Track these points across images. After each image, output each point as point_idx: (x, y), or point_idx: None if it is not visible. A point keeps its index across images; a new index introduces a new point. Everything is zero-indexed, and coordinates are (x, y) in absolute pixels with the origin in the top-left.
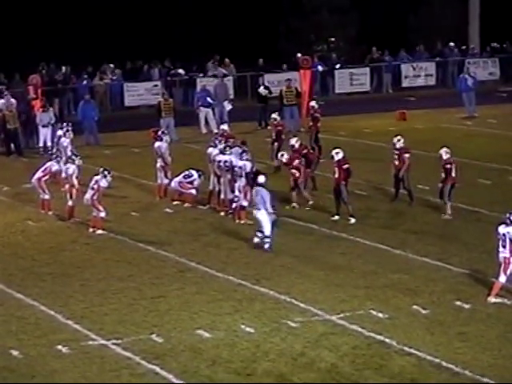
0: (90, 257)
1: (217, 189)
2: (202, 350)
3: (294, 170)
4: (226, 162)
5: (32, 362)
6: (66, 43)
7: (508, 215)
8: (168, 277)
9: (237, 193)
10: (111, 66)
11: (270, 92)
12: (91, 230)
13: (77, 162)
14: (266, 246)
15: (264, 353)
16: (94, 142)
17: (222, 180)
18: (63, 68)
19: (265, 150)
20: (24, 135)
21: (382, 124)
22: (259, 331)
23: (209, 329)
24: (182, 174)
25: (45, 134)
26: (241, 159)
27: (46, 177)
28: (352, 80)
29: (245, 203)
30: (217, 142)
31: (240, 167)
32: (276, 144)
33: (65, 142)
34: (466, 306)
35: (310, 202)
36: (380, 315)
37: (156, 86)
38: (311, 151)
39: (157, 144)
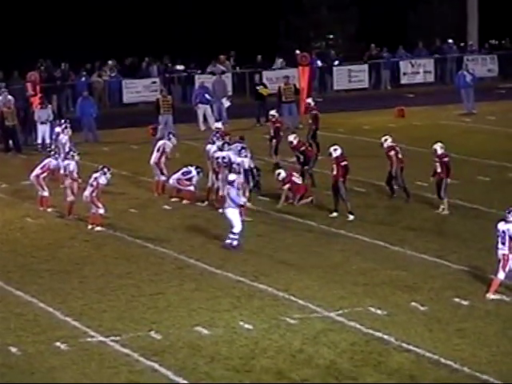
0: (89, 253)
1: (215, 185)
2: (200, 346)
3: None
4: (223, 158)
5: (31, 358)
6: (64, 40)
7: (507, 212)
8: (167, 273)
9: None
10: (110, 62)
11: (265, 86)
12: (90, 226)
13: (76, 158)
14: (235, 242)
15: (263, 349)
16: (93, 138)
17: (220, 176)
18: (62, 65)
19: (263, 147)
20: (22, 132)
21: (381, 121)
22: (258, 328)
23: (207, 325)
24: (181, 171)
25: (43, 130)
26: (239, 156)
27: (45, 174)
28: (350, 77)
29: (244, 200)
30: (215, 138)
31: (238, 164)
32: (274, 141)
33: (63, 138)
34: (465, 303)
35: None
36: (378, 312)
37: (154, 82)
38: (309, 148)
39: (162, 141)
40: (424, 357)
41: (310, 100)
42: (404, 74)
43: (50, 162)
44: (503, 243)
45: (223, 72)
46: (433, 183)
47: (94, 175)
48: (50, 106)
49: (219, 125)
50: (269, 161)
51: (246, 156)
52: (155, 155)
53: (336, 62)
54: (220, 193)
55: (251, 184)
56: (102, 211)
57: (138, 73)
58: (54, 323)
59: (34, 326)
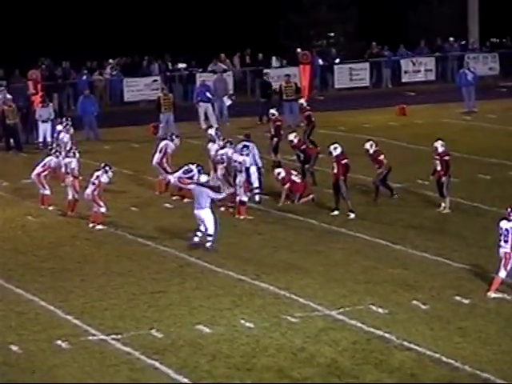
0: (90, 252)
1: (217, 184)
2: (201, 345)
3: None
4: (222, 155)
5: (32, 357)
6: (65, 38)
7: (510, 210)
8: (168, 272)
9: (238, 188)
10: (111, 61)
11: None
12: (91, 225)
13: (77, 155)
14: (208, 244)
15: (264, 348)
16: (94, 137)
17: (218, 173)
18: (63, 63)
19: (265, 145)
20: (23, 130)
21: (382, 119)
22: (259, 326)
23: (209, 324)
24: (182, 170)
25: (44, 129)
26: (241, 154)
27: (46, 172)
28: (352, 75)
29: (244, 198)
30: (216, 137)
31: (240, 162)
32: (275, 140)
33: (65, 137)
34: (466, 301)
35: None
36: (380, 310)
37: (155, 81)
38: (309, 146)
39: (164, 142)
40: (425, 355)
41: (302, 101)
42: (405, 72)
43: (51, 160)
44: (506, 241)
45: (224, 70)
46: (433, 181)
47: (96, 173)
48: (51, 104)
49: (212, 132)
50: (271, 159)
51: (247, 155)
52: (157, 156)
53: (337, 60)
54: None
55: (256, 183)
56: (103, 210)
57: (139, 71)
58: (55, 321)
59: (34, 324)
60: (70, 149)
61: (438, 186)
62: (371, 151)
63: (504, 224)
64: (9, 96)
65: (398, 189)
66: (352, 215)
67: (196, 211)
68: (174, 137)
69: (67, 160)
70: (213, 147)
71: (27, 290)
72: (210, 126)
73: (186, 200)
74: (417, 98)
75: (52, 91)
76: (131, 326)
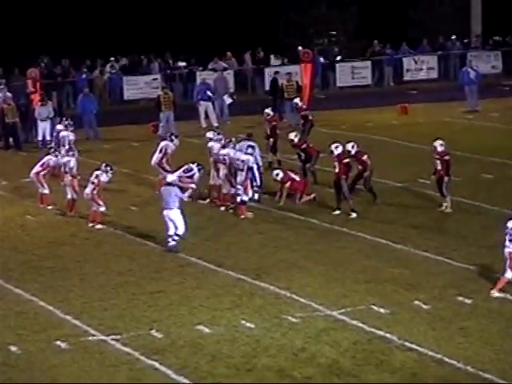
0: (90, 251)
1: (218, 183)
2: (201, 345)
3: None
4: (224, 155)
5: (31, 357)
6: (65, 36)
7: None
8: (168, 271)
9: (239, 187)
10: (112, 59)
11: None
12: (90, 224)
13: (76, 155)
14: (173, 243)
15: (264, 348)
16: (94, 136)
17: (221, 174)
18: (62, 61)
19: (264, 145)
20: (23, 129)
21: (384, 118)
22: (259, 326)
23: (209, 324)
24: (182, 169)
25: (43, 127)
26: (245, 153)
27: (45, 171)
28: (353, 73)
29: (245, 198)
30: (218, 136)
31: (243, 161)
32: (271, 140)
33: (70, 135)
34: (468, 301)
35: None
36: (381, 310)
37: (155, 79)
38: (310, 145)
39: (164, 142)
40: (427, 355)
41: (297, 100)
42: (407, 70)
43: (50, 159)
44: (510, 241)
45: (225, 69)
46: (434, 181)
47: (96, 173)
48: (50, 102)
49: (210, 134)
50: (274, 158)
51: (251, 154)
52: (157, 156)
53: (338, 58)
54: (223, 190)
55: (257, 182)
56: (102, 209)
57: (139, 69)
58: (54, 321)
59: (34, 324)
60: (70, 148)
61: (439, 185)
62: (353, 152)
63: (511, 224)
64: (8, 94)
65: (399, 188)
66: (354, 215)
67: (165, 212)
68: (173, 137)
69: (66, 159)
70: (215, 146)
71: (26, 289)
72: (210, 129)
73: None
74: (419, 96)
75: (51, 89)
76: (131, 326)
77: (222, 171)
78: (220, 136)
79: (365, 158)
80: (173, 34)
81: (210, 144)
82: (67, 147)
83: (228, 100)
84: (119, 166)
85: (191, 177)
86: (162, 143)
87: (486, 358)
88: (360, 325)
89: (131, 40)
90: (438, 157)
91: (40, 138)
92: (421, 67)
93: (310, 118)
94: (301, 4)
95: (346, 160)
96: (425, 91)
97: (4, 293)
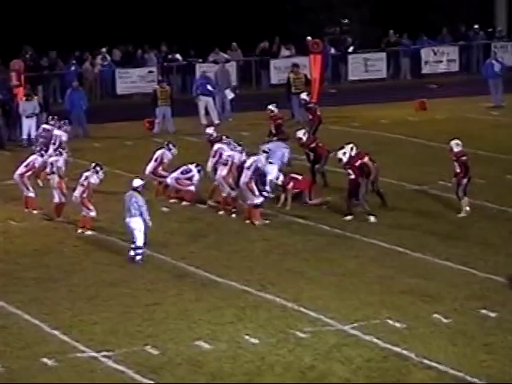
0: (79, 260)
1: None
2: (201, 362)
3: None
4: (228, 156)
5: (15, 375)
6: (51, 25)
7: None
8: (164, 282)
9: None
10: (103, 50)
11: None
12: (80, 230)
13: (64, 155)
14: (138, 257)
15: (269, 366)
16: (83, 133)
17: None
18: (49, 52)
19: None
20: (6, 126)
21: (400, 114)
22: (264, 342)
23: (209, 339)
24: (180, 170)
25: (29, 124)
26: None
27: (30, 172)
28: (367, 66)
29: (257, 201)
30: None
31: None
32: (275, 139)
33: (63, 136)
34: (492, 315)
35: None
36: (397, 324)
37: (151, 72)
38: (320, 144)
39: (161, 151)
40: (447, 374)
41: (304, 96)
42: (426, 62)
43: (36, 159)
44: None
45: (227, 60)
46: (455, 184)
47: (85, 174)
48: (36, 97)
49: (211, 130)
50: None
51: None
52: (152, 165)
53: (350, 49)
54: (223, 194)
55: (267, 186)
56: (93, 214)
57: (133, 61)
58: (40, 337)
59: (18, 339)
60: (58, 146)
61: (458, 187)
62: (353, 154)
63: None
64: None
65: (416, 191)
66: (372, 218)
67: (127, 219)
68: (171, 146)
69: (54, 158)
70: (236, 156)
71: (9, 302)
72: (210, 124)
73: (184, 203)
74: (438, 91)
75: (37, 83)
76: (124, 342)
77: (220, 172)
78: (241, 148)
79: (366, 159)
80: (170, 22)
81: (229, 153)
82: (56, 146)
83: (230, 95)
84: (111, 167)
85: (190, 178)
86: (159, 152)
87: None
88: (374, 340)
89: (124, 29)
90: (454, 158)
91: (25, 135)
92: (440, 59)
93: (318, 113)
94: None
95: (358, 162)
96: (445, 85)
97: None
